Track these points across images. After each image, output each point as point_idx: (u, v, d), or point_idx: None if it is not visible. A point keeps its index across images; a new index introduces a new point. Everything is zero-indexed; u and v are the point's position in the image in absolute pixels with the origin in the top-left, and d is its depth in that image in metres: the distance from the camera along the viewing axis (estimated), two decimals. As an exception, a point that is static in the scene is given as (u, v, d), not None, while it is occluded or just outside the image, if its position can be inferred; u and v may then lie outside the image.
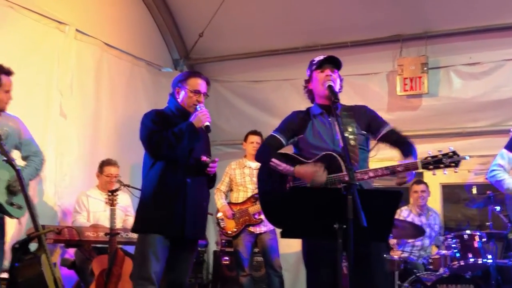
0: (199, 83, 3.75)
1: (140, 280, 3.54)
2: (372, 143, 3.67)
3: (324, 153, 3.23)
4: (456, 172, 3.07)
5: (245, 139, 5.99)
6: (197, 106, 3.67)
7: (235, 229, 5.66)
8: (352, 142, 3.27)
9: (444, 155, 3.03)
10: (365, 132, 3.40)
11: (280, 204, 3.10)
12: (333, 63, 3.41)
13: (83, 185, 5.61)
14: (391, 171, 3.09)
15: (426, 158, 3.04)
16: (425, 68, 6.19)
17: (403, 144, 3.34)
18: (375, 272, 3.17)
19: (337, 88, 3.37)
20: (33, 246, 4.07)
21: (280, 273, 5.63)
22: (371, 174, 3.12)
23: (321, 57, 3.45)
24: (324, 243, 3.11)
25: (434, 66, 6.29)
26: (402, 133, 3.40)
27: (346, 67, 3.61)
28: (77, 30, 5.64)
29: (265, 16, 6.68)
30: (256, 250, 5.89)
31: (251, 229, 5.64)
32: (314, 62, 3.46)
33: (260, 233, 5.66)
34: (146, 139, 3.63)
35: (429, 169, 3.04)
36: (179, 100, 3.77)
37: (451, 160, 3.02)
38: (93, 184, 5.56)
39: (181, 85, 3.78)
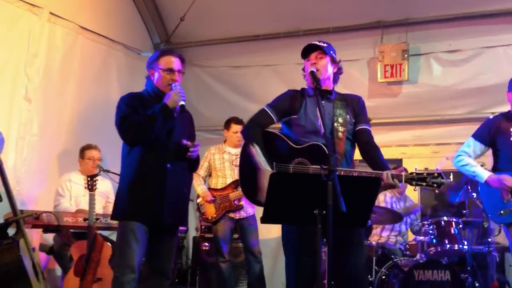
0: (171, 61, 3.62)
1: (120, 268, 3.49)
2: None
3: (311, 143, 3.23)
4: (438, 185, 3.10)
5: (227, 126, 5.86)
6: (172, 85, 3.55)
7: (215, 215, 5.63)
8: (340, 135, 3.29)
9: (429, 174, 3.08)
10: (354, 121, 3.41)
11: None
12: (315, 50, 3.38)
13: (41, 171, 5.54)
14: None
15: (411, 173, 3.09)
16: (406, 55, 6.21)
17: (373, 149, 3.35)
18: (354, 258, 3.19)
19: (329, 72, 3.38)
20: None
21: (260, 258, 5.62)
22: (355, 175, 3.12)
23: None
24: (304, 229, 3.12)
25: (414, 53, 6.30)
26: (373, 139, 3.41)
27: (327, 53, 3.60)
28: (51, 13, 5.52)
29: (247, 1, 6.62)
30: (236, 236, 5.88)
31: (231, 214, 5.61)
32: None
33: (240, 219, 5.64)
34: (117, 125, 3.51)
35: (412, 184, 3.10)
36: (154, 82, 3.66)
37: (435, 181, 3.07)
38: (51, 171, 5.52)
39: (154, 66, 3.66)
